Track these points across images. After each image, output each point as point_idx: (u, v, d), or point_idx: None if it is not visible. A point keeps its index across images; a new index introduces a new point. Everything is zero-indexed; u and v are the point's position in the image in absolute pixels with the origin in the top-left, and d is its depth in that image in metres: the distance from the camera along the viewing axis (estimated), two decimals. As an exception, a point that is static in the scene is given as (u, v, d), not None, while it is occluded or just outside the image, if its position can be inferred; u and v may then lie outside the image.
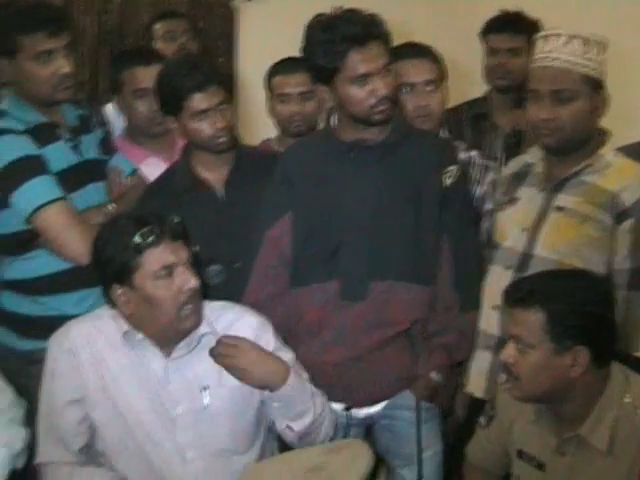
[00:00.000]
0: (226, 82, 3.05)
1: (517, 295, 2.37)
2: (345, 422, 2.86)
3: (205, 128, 2.91)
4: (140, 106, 3.37)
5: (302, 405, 2.59)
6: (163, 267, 2.47)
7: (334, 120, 2.88)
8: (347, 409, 2.86)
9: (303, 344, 2.84)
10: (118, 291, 2.51)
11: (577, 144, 2.72)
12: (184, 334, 2.57)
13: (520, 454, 2.51)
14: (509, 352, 2.36)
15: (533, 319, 2.31)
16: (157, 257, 2.47)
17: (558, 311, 2.29)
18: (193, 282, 2.50)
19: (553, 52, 2.66)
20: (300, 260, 2.84)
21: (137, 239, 2.45)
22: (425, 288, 2.81)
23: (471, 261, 2.90)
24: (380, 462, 2.23)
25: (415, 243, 2.79)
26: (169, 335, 2.56)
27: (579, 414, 2.35)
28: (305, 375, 2.72)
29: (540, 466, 2.45)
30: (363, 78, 2.67)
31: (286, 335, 2.82)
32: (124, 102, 3.43)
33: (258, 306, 2.80)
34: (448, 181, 2.82)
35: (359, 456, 2.18)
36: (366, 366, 2.80)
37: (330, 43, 2.65)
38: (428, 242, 2.81)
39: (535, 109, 2.71)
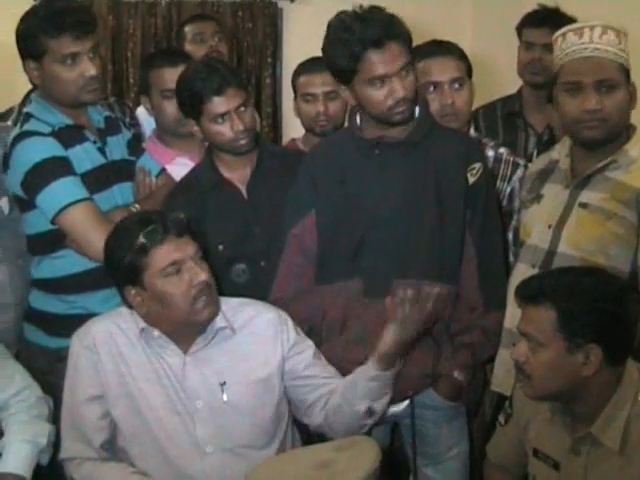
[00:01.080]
0: (245, 84, 3.06)
1: (528, 292, 2.34)
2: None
3: (225, 131, 2.93)
4: (168, 107, 3.39)
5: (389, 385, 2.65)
6: (170, 264, 2.50)
7: (358, 118, 2.87)
8: None
9: (326, 342, 2.85)
10: (132, 292, 2.55)
11: (617, 135, 2.69)
12: (201, 327, 2.60)
13: (536, 453, 2.48)
14: (520, 350, 2.34)
15: (544, 317, 2.28)
16: (164, 255, 2.50)
17: (569, 309, 2.26)
18: (203, 276, 2.53)
19: (591, 43, 2.64)
20: (324, 258, 2.85)
21: (142, 239, 2.49)
22: (449, 287, 2.79)
23: (496, 260, 2.88)
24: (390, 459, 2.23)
25: (439, 241, 2.77)
26: (185, 330, 2.60)
27: (593, 412, 2.31)
28: (330, 368, 2.74)
29: (555, 466, 2.42)
30: (380, 80, 2.66)
31: (310, 332, 2.84)
32: (152, 103, 3.47)
33: (283, 303, 2.82)
34: (472, 178, 2.80)
35: (365, 453, 2.18)
36: None
37: (348, 44, 2.63)
38: (453, 240, 2.79)
39: (578, 102, 2.66)
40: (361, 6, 2.69)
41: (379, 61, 2.64)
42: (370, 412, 2.63)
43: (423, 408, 2.86)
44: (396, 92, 2.67)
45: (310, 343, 2.74)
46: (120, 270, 2.54)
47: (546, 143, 3.70)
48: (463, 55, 3.16)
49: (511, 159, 3.19)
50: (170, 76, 3.31)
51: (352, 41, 2.63)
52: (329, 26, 2.72)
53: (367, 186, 2.79)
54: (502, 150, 3.21)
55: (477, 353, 2.86)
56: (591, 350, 2.25)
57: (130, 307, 2.61)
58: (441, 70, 3.07)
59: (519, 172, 3.15)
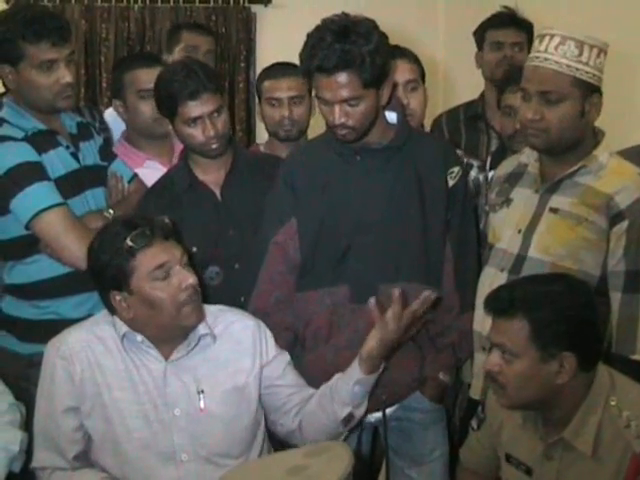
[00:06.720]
0: (221, 89, 3.06)
1: (499, 305, 2.34)
2: (359, 428, 2.85)
3: (197, 134, 2.93)
4: (144, 107, 3.40)
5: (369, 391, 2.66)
6: (158, 267, 2.49)
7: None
8: None
9: (314, 350, 2.83)
10: (117, 297, 2.53)
11: (565, 146, 2.69)
12: (185, 333, 2.59)
13: (508, 458, 2.50)
14: (494, 361, 2.33)
15: (517, 328, 2.28)
16: (150, 258, 2.49)
17: (542, 319, 2.26)
18: (191, 279, 2.52)
19: (545, 52, 2.63)
20: (308, 264, 2.83)
21: (129, 242, 2.47)
22: (434, 289, 2.78)
23: (472, 262, 2.90)
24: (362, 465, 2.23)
25: (424, 244, 2.78)
26: (171, 335, 2.58)
27: (565, 418, 2.33)
28: (301, 379, 2.75)
29: (528, 471, 2.44)
30: (323, 102, 2.68)
31: (294, 341, 2.85)
32: (127, 104, 3.46)
33: (265, 312, 2.81)
34: (452, 181, 2.82)
35: (339, 458, 2.17)
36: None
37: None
38: (436, 243, 2.80)
39: (524, 108, 2.69)
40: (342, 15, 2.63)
41: (324, 86, 2.63)
42: (349, 419, 2.63)
43: (410, 411, 2.88)
44: (332, 121, 2.68)
45: (284, 352, 2.75)
46: (106, 275, 2.51)
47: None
48: (417, 60, 3.26)
49: (464, 160, 3.22)
50: (146, 76, 3.32)
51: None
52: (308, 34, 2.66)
53: (351, 192, 2.79)
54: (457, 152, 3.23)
55: (457, 354, 2.88)
56: (565, 358, 2.27)
57: (113, 313, 2.58)
58: (396, 72, 3.08)
59: (472, 173, 3.24)
